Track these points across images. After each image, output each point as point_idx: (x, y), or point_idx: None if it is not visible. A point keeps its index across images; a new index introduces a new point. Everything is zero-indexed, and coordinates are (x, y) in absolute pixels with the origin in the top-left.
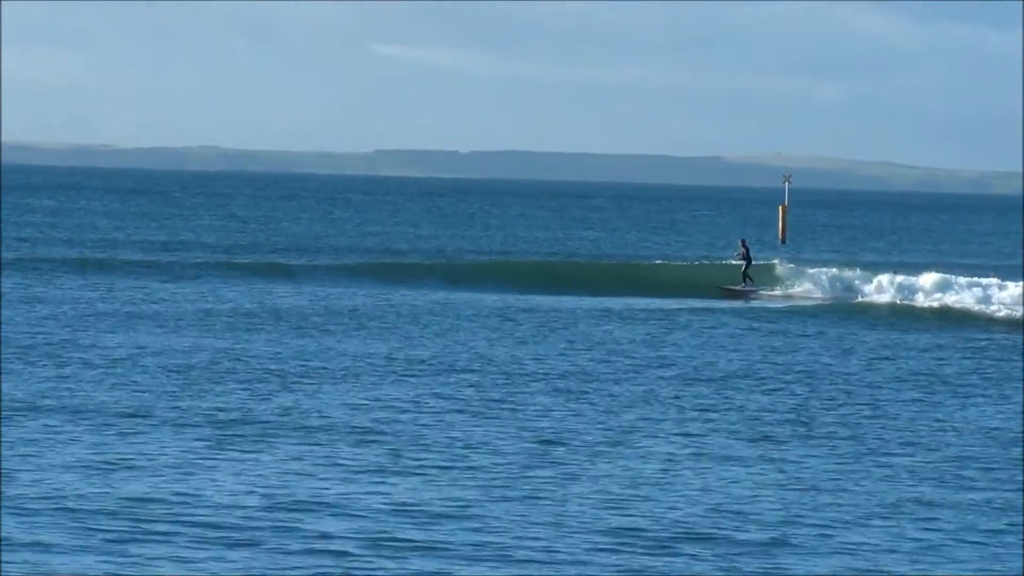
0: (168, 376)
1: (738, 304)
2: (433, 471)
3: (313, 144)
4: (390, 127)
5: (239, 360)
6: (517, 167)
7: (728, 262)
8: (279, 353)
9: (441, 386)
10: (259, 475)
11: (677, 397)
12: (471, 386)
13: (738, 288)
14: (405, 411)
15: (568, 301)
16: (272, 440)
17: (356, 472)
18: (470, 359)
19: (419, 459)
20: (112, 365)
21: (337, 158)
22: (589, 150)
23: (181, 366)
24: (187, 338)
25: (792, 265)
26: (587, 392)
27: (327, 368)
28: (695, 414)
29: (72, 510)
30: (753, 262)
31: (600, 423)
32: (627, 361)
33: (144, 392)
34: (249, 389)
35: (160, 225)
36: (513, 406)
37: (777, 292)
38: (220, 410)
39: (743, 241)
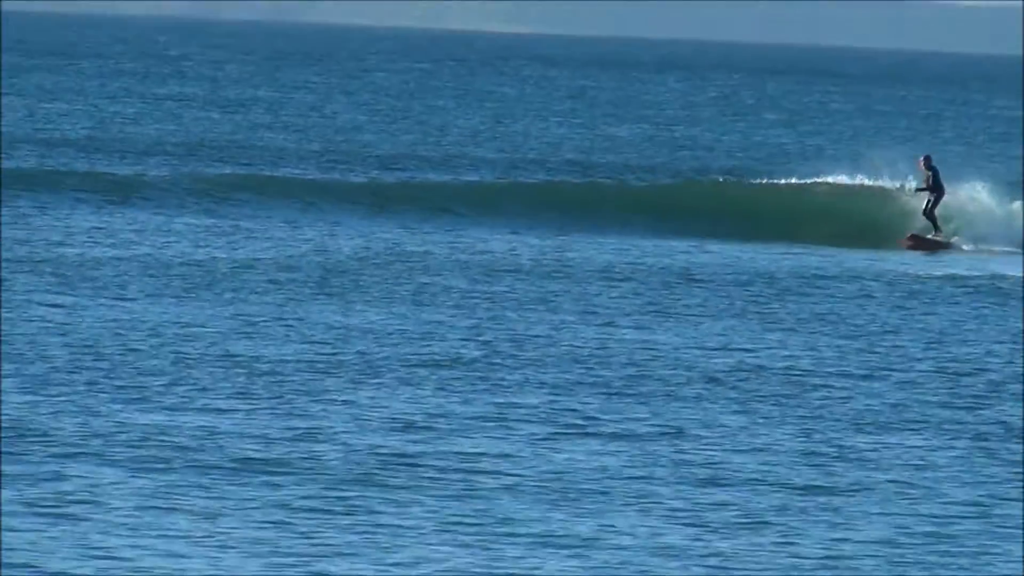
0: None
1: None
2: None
3: None
4: None
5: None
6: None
7: (907, 188)
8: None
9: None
10: None
11: None
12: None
13: (932, 237)
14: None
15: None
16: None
17: None
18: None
19: None
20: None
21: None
22: None
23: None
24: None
25: None
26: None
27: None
28: None
29: None
30: (944, 194)
31: None
32: None
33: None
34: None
35: (136, 117)
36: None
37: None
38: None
39: (926, 159)
